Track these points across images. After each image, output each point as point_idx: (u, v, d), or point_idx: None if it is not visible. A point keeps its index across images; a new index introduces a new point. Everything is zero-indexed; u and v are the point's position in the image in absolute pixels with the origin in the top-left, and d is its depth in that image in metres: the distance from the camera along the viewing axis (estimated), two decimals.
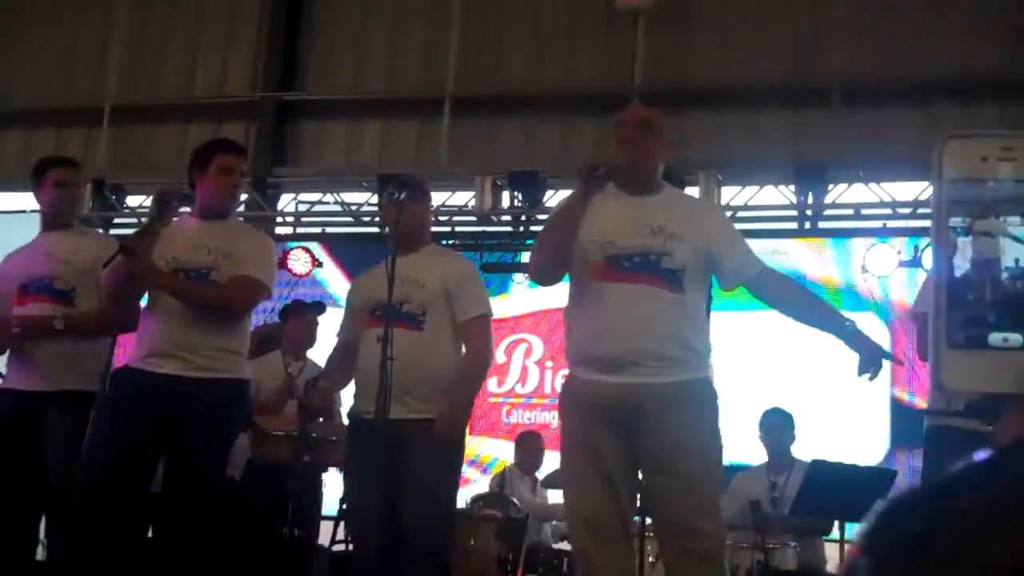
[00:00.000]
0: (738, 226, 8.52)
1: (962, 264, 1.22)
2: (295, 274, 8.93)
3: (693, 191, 8.27)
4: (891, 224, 8.48)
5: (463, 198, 9.22)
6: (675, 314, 3.60)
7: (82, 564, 4.17)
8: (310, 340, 6.45)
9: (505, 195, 9.11)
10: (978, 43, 8.45)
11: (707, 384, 3.69)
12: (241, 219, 6.46)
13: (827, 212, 8.70)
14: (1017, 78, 8.22)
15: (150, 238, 4.41)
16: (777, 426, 6.50)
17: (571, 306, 3.77)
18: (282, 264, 8.57)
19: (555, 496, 6.85)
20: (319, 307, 6.70)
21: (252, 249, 4.61)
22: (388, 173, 8.01)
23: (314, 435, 5.50)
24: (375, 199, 9.16)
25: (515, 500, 6.63)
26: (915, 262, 7.92)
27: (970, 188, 1.22)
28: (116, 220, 9.81)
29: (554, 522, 6.93)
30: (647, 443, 3.57)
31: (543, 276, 3.88)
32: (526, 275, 4.54)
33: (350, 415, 4.52)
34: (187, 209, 4.64)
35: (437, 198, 8.20)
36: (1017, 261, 1.22)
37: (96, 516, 4.17)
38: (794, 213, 8.77)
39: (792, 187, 8.70)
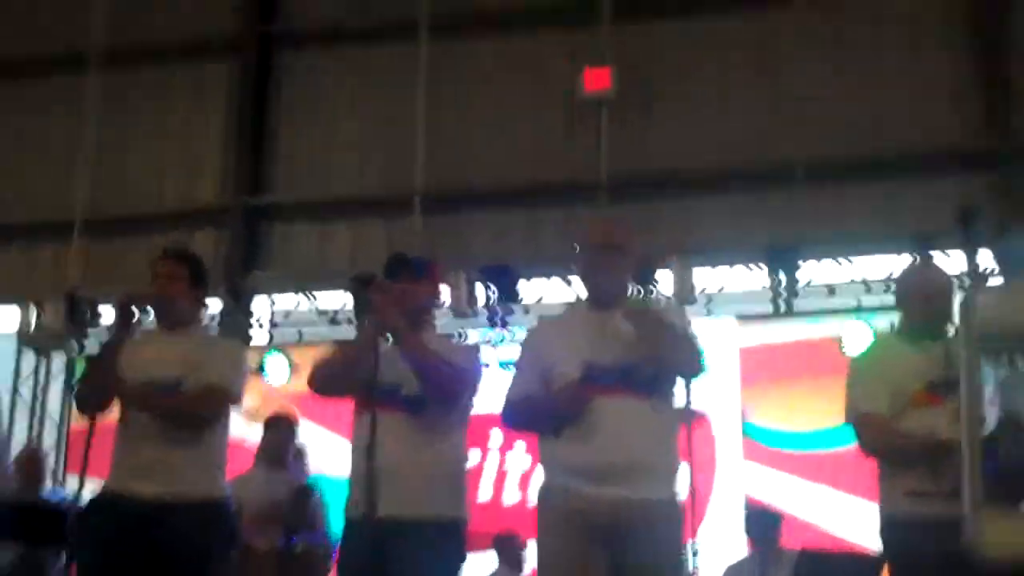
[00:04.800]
0: (713, 309, 8.82)
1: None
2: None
3: (667, 275, 8.36)
4: (865, 301, 8.53)
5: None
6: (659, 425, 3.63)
7: None
8: (286, 453, 6.42)
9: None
10: (933, 118, 8.59)
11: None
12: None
13: (802, 293, 8.76)
14: (972, 150, 8.36)
15: (113, 348, 4.36)
16: (764, 527, 6.52)
17: None
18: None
19: None
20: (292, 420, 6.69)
21: (219, 356, 4.55)
22: (360, 274, 7.98)
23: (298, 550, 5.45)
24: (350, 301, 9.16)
25: None
26: None
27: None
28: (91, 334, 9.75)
29: None
30: (632, 559, 3.56)
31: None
32: None
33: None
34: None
35: None
36: None
37: None
38: (768, 294, 8.82)
39: (764, 268, 8.77)
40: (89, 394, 4.47)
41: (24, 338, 10.17)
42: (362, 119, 9.92)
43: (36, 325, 9.79)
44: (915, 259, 7.95)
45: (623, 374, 3.66)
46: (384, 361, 3.95)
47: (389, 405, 3.94)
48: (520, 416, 3.94)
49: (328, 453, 7.78)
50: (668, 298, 8.06)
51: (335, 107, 10.04)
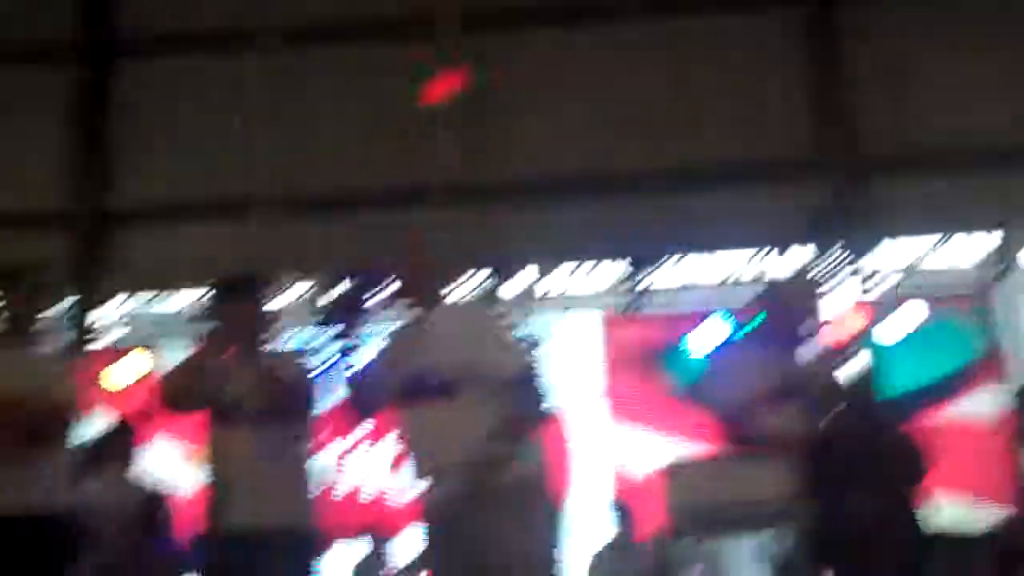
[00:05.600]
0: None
1: None
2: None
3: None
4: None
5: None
6: None
7: None
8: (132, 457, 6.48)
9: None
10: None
11: None
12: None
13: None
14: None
15: None
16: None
17: None
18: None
19: None
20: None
21: (62, 374, 4.64)
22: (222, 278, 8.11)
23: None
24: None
25: None
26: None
27: None
28: None
29: None
30: None
31: None
32: None
33: None
34: None
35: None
36: None
37: None
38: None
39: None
40: None
41: None
42: (206, 125, 10.00)
43: None
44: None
45: None
46: (229, 377, 4.23)
47: (235, 419, 4.20)
48: None
49: (173, 463, 7.98)
50: None
51: (177, 114, 10.13)
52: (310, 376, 4.48)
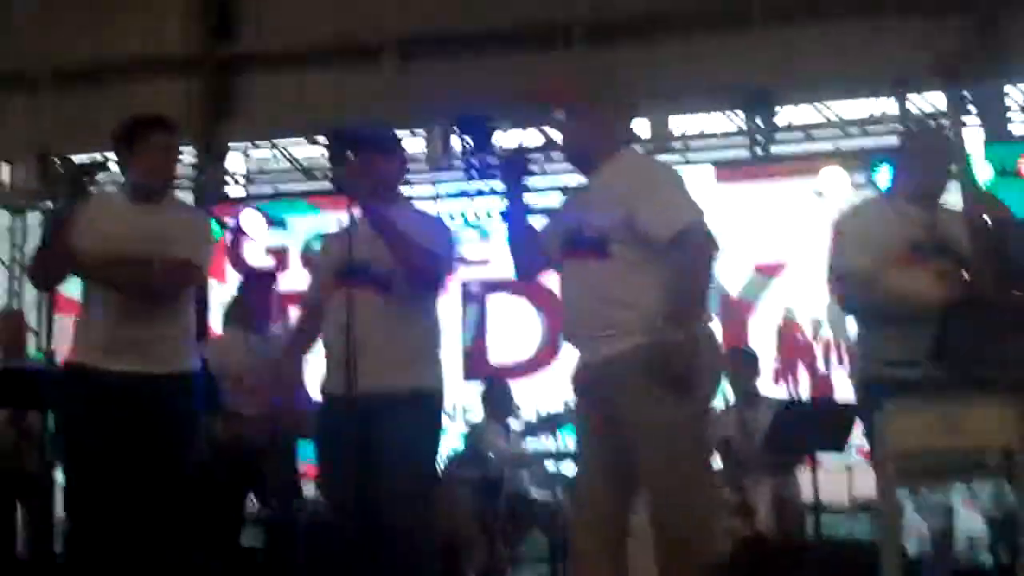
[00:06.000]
0: (691, 156, 8.75)
1: None
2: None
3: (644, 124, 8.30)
4: (843, 145, 8.49)
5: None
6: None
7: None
8: (272, 310, 6.34)
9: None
10: None
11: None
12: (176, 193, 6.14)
13: (778, 137, 8.69)
14: None
15: (66, 220, 4.23)
16: (741, 364, 6.58)
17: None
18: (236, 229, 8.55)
19: (533, 443, 6.91)
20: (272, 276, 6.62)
21: (187, 230, 4.43)
22: (336, 128, 7.87)
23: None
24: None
25: (490, 455, 6.64)
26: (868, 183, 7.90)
27: None
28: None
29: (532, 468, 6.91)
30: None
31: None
32: None
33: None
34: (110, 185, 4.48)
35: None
36: None
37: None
38: (745, 140, 8.75)
39: (741, 113, 8.69)
40: (44, 268, 4.33)
41: None
42: None
43: (9, 185, 9.66)
44: (921, 122, 7.90)
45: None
46: (357, 239, 3.93)
47: (361, 283, 3.94)
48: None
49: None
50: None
51: None
52: (442, 252, 4.15)
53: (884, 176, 7.03)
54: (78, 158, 8.34)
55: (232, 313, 6.23)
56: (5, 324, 7.26)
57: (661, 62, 8.67)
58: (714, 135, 8.95)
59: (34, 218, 9.99)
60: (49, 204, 9.59)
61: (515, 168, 3.83)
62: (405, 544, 4.00)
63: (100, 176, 4.40)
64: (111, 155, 4.48)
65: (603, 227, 3.51)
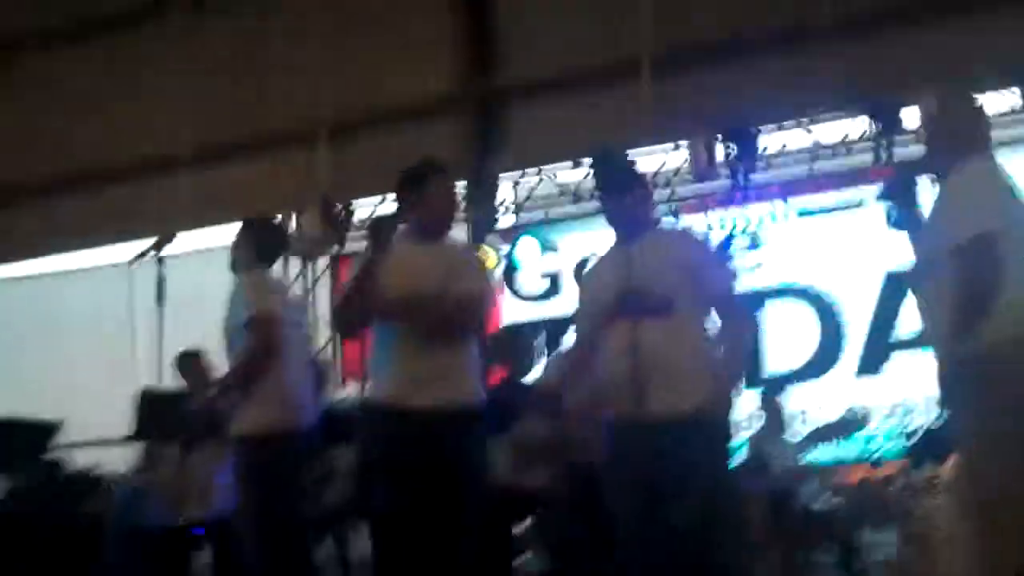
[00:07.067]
0: None
1: None
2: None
3: None
4: None
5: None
6: None
7: None
8: None
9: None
10: None
11: None
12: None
13: None
14: None
15: (373, 271, 4.53)
16: None
17: None
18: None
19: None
20: None
21: (472, 266, 4.74)
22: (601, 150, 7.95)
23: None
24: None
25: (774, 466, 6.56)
26: None
27: None
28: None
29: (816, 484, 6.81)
30: None
31: None
32: None
33: None
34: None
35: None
36: None
37: None
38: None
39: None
40: (352, 319, 4.69)
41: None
42: None
43: (297, 234, 10.21)
44: None
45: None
46: (625, 268, 4.18)
47: (638, 312, 4.12)
48: None
49: None
50: None
51: None
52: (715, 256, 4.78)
53: None
54: (362, 203, 8.81)
55: None
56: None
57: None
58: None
59: (322, 264, 10.53)
60: (336, 250, 10.13)
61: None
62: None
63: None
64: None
65: None
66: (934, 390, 3.90)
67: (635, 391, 3.94)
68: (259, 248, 5.53)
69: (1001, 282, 3.46)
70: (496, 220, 9.86)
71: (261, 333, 5.13)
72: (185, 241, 10.60)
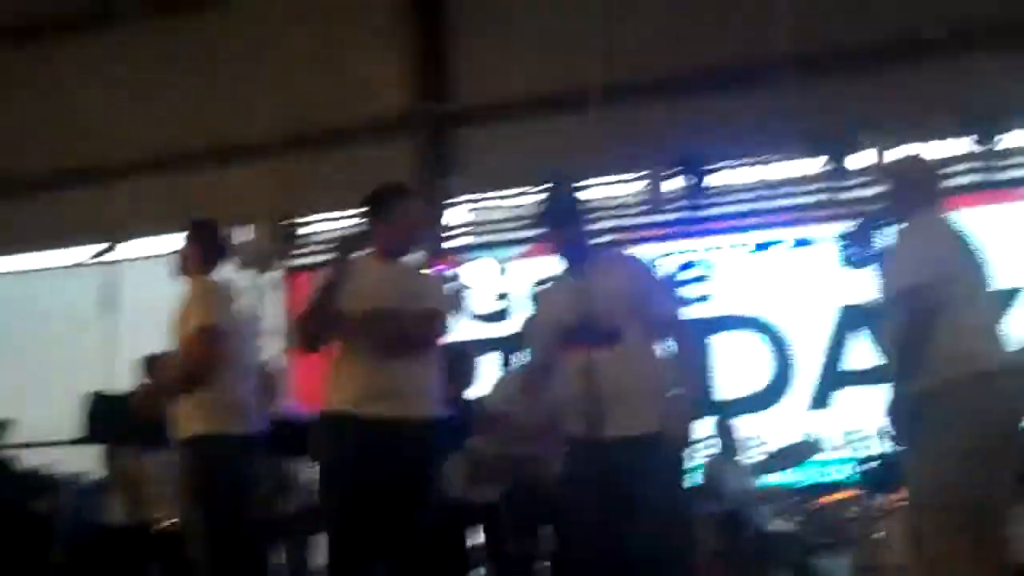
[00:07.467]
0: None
1: None
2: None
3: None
4: None
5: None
6: None
7: None
8: None
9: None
10: None
11: None
12: None
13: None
14: None
15: (333, 290, 4.67)
16: None
17: None
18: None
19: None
20: None
21: (430, 285, 4.94)
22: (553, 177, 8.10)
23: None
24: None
25: (727, 489, 6.73)
26: None
27: None
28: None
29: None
30: None
31: None
32: None
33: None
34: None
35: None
36: None
37: None
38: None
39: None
40: (313, 332, 4.78)
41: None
42: (539, 14, 9.88)
43: (249, 247, 10.23)
44: None
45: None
46: (575, 296, 4.30)
47: (590, 342, 4.25)
48: None
49: None
50: None
51: (510, 4, 10.05)
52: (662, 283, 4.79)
53: None
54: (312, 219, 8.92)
55: None
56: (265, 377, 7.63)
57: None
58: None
59: (272, 278, 10.54)
60: (285, 265, 10.20)
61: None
62: None
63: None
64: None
65: None
66: (884, 422, 4.19)
67: (591, 413, 4.08)
68: (205, 253, 5.54)
69: (929, 329, 3.82)
70: (443, 241, 9.99)
71: (203, 344, 5.15)
72: (140, 245, 10.63)
